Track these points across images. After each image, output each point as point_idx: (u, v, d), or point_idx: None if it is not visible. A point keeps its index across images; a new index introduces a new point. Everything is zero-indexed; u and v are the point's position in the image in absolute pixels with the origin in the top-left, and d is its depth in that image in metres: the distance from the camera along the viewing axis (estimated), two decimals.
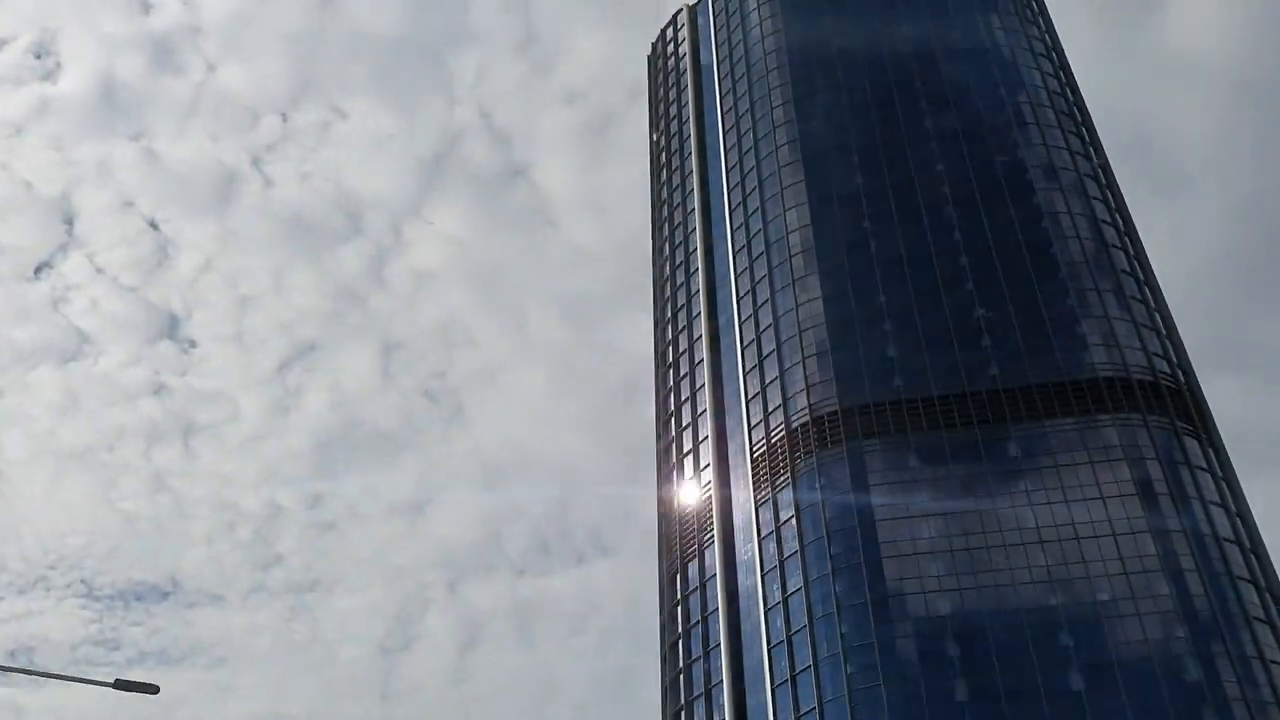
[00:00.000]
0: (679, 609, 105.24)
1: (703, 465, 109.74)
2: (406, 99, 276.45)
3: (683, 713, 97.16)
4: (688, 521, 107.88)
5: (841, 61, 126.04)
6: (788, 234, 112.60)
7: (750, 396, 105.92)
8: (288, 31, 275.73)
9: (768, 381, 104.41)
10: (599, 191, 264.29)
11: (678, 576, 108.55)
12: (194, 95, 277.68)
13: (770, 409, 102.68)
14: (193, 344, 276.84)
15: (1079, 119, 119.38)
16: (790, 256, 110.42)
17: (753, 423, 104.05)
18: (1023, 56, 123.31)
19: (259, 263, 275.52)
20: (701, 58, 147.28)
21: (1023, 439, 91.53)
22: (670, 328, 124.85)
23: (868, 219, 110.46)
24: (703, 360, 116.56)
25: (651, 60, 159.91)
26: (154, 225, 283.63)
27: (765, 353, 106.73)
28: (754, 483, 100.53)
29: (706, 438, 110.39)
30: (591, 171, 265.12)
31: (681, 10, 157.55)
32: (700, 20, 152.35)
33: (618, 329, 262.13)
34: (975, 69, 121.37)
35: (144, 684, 24.30)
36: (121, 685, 21.80)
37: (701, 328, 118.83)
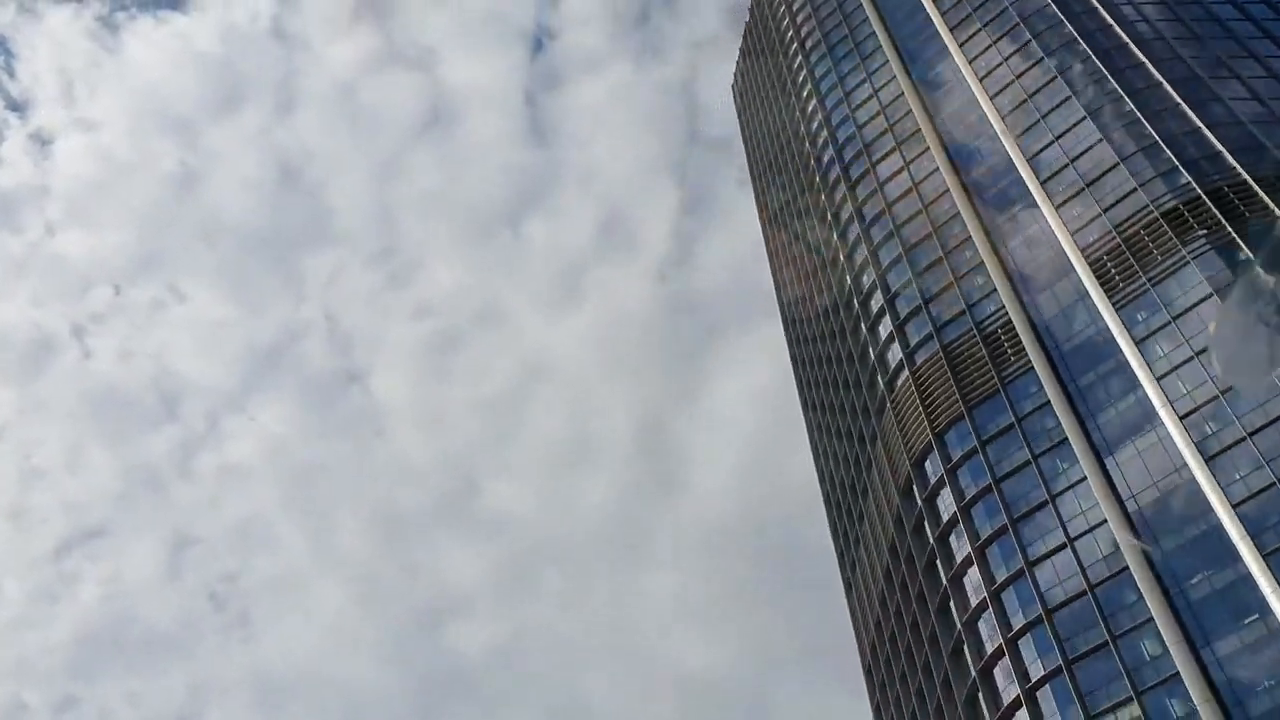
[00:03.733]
0: (933, 501, 74.09)
1: (975, 299, 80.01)
2: (251, 290, 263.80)
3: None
4: (966, 370, 77.17)
5: None
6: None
7: (1072, 195, 77.86)
8: (140, 206, 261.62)
9: (1108, 167, 76.73)
10: (433, 408, 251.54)
11: (924, 462, 77.16)
12: (26, 255, 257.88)
13: (1115, 198, 74.70)
14: None
15: None
16: (1109, 47, 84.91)
17: (1084, 220, 75.68)
18: None
19: (58, 436, 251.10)
20: None
21: None
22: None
23: None
24: (946, 190, 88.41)
25: None
26: None
27: (1084, 147, 79.47)
28: (1103, 285, 71.32)
29: (980, 264, 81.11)
30: (428, 387, 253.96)
31: None
32: None
33: (430, 549, 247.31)
34: None
35: None
36: None
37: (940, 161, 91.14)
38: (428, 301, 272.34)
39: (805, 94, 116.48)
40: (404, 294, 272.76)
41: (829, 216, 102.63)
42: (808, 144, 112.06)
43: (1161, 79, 79.84)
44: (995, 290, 78.54)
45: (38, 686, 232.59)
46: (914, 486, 77.40)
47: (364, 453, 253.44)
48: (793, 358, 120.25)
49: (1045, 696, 60.36)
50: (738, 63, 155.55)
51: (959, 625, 68.36)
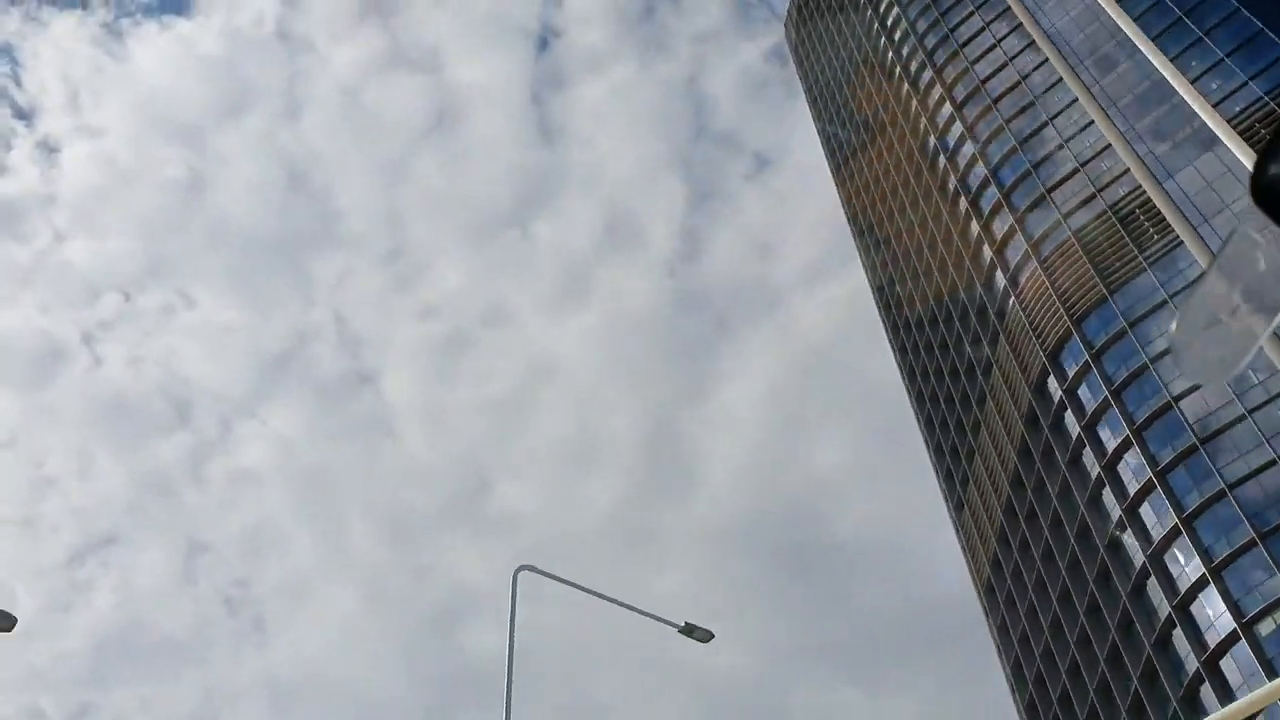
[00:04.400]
0: (1075, 391, 69.93)
1: (1104, 182, 75.73)
2: (260, 294, 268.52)
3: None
4: (1103, 254, 72.97)
5: None
6: None
7: (1209, 68, 73.48)
8: (147, 212, 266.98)
9: (1251, 34, 72.34)
10: (441, 409, 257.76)
11: (1060, 354, 73.07)
12: (34, 264, 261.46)
13: (1262, 65, 70.34)
14: None
15: None
16: None
17: (1227, 90, 71.32)
18: None
19: (68, 443, 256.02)
20: None
21: None
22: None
23: None
24: (1059, 80, 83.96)
25: None
26: None
27: (1219, 18, 75.07)
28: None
29: (1106, 148, 76.82)
30: (436, 389, 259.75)
31: None
32: None
33: (440, 550, 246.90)
34: None
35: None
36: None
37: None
38: (435, 303, 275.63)
39: (884, 5, 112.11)
40: (411, 295, 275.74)
41: (923, 123, 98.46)
42: (891, 54, 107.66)
43: None
44: (1128, 171, 74.33)
45: (53, 693, 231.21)
46: (1050, 380, 73.36)
47: (374, 455, 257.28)
48: (873, 285, 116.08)
49: (1234, 575, 56.33)
50: (791, 9, 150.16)
51: (1119, 513, 64.35)
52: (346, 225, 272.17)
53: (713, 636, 19.98)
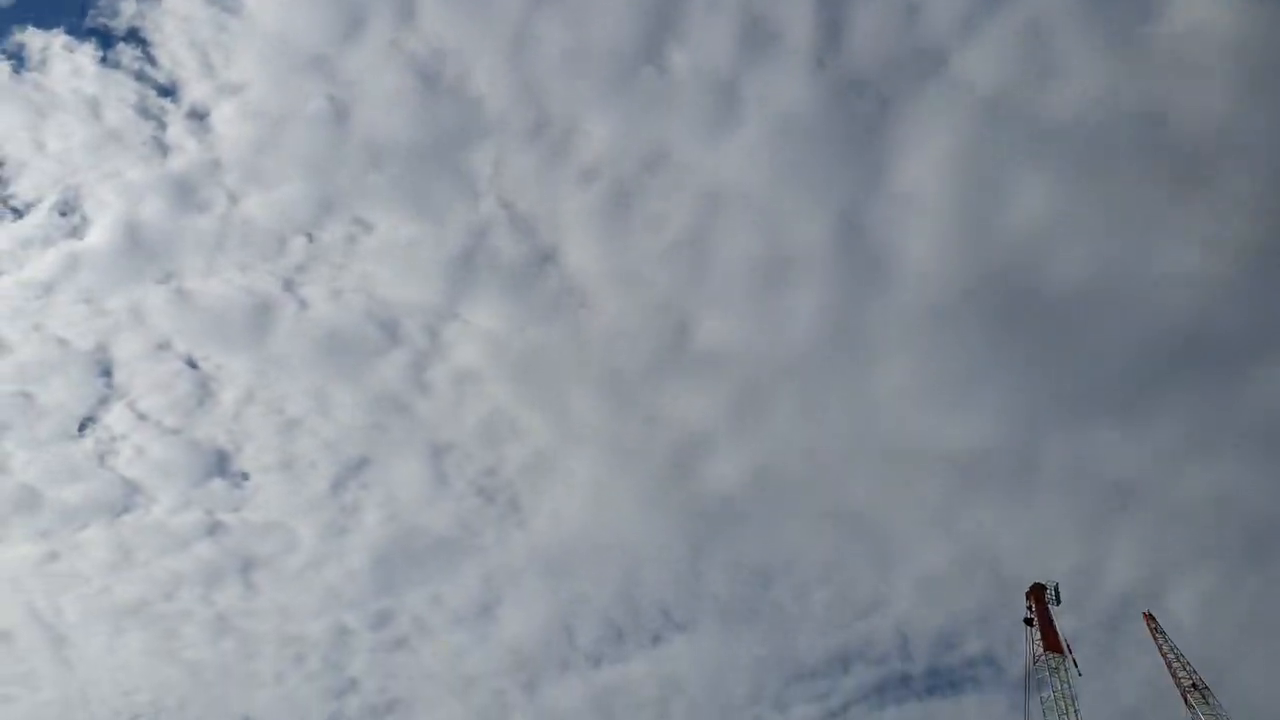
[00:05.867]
0: None
1: None
2: (428, 202, 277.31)
3: None
4: None
5: None
6: None
7: None
8: (305, 152, 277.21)
9: None
10: (626, 265, 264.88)
11: None
12: (219, 229, 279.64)
13: None
14: (244, 477, 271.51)
15: None
16: None
17: None
18: None
19: (300, 386, 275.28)
20: None
21: None
22: None
23: None
24: None
25: None
26: (192, 364, 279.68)
27: None
28: None
29: None
30: (616, 246, 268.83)
31: None
32: None
33: (660, 400, 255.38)
34: None
35: None
36: None
37: None
38: (591, 163, 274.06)
39: None
40: (567, 163, 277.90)
41: None
42: None
43: None
44: None
45: (352, 610, 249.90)
46: None
47: (575, 326, 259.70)
48: None
49: None
50: None
51: None
52: (487, 110, 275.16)
53: None
